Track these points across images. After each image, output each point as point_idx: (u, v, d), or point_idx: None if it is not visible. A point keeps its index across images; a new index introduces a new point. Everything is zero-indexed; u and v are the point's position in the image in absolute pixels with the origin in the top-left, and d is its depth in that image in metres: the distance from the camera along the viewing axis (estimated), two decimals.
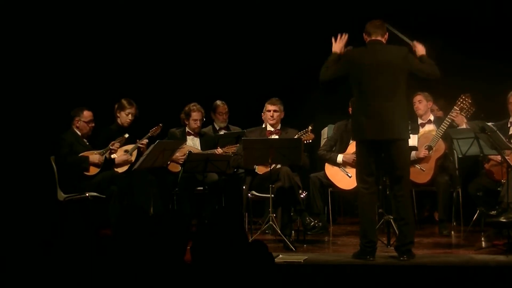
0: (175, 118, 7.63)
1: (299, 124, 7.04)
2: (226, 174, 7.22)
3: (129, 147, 7.23)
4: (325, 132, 7.92)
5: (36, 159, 7.53)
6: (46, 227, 5.20)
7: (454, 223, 7.32)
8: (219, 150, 7.27)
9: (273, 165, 6.49)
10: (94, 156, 7.03)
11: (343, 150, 7.33)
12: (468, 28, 8.11)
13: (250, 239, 5.60)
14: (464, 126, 6.90)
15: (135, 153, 7.21)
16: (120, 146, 7.16)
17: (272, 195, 6.33)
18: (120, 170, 7.17)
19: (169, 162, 7.19)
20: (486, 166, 6.97)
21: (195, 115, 7.47)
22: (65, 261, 3.45)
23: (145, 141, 7.23)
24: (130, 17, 8.44)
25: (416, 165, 7.14)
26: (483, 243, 6.52)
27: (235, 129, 7.99)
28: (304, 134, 6.81)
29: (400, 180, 5.59)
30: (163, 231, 3.54)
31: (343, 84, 5.75)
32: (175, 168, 7.27)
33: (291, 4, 8.47)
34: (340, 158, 7.28)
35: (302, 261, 5.52)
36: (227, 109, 8.05)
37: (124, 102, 7.37)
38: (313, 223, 6.64)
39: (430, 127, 7.40)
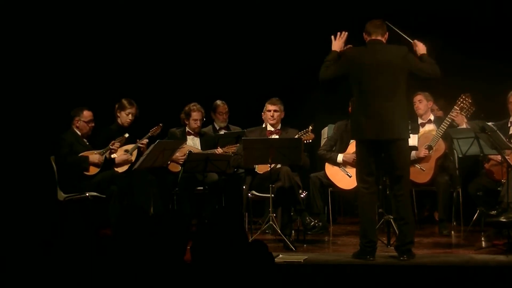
0: (175, 118, 7.63)
1: (299, 124, 7.04)
2: (226, 174, 7.22)
3: (129, 147, 7.23)
4: (325, 132, 7.92)
5: (36, 159, 7.53)
6: (46, 227, 5.20)
7: (454, 223, 7.32)
8: (219, 150, 7.27)
9: (273, 165, 6.49)
10: (94, 156, 7.03)
11: (343, 150, 7.33)
12: (468, 28, 8.11)
13: (250, 239, 5.60)
14: (464, 126, 6.90)
15: (135, 153, 7.21)
16: (120, 146, 7.15)
17: (272, 195, 6.33)
18: (120, 170, 7.17)
19: (169, 162, 7.19)
20: (486, 166, 6.97)
21: (195, 115, 7.47)
22: (65, 261, 3.45)
23: (145, 141, 7.23)
24: (130, 17, 8.44)
25: (416, 165, 7.14)
26: (483, 243, 6.52)
27: (235, 129, 7.99)
28: (304, 134, 6.81)
29: (400, 180, 5.59)
30: (163, 231, 3.55)
31: (343, 83, 5.75)
32: (175, 168, 7.27)
33: (291, 4, 8.47)
34: (340, 157, 7.28)
35: (302, 261, 5.52)
36: (227, 109, 8.05)
37: (124, 102, 7.37)
38: (313, 223, 6.63)
39: (430, 127, 7.40)
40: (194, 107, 7.48)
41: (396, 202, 5.64)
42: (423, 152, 7.12)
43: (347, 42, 5.81)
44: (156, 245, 3.48)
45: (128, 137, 7.18)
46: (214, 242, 3.48)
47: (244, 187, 6.97)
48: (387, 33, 5.69)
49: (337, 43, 5.78)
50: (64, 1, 8.23)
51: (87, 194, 6.96)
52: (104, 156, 7.05)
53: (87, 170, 7.02)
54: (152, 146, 6.75)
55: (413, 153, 6.97)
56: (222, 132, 7.95)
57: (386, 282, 5.16)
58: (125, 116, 7.34)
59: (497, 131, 6.17)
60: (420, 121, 7.43)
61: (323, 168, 7.39)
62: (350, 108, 6.90)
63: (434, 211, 7.75)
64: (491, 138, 6.10)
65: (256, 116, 7.52)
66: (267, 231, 6.76)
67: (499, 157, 6.47)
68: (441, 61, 5.74)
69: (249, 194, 6.90)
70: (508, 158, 6.23)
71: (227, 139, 7.58)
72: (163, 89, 8.53)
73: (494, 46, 7.98)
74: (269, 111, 7.06)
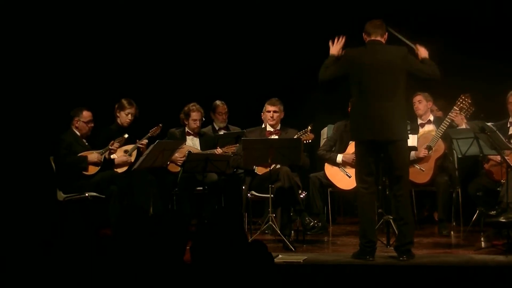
0: (175, 118, 7.63)
1: (299, 124, 7.04)
2: (225, 174, 7.22)
3: (128, 147, 7.23)
4: (325, 132, 7.92)
5: (35, 159, 7.53)
6: (46, 227, 5.20)
7: (454, 223, 7.32)
8: (218, 150, 7.27)
9: (273, 165, 6.49)
10: (93, 155, 7.03)
11: (342, 150, 7.34)
12: (468, 28, 8.11)
13: (250, 239, 5.60)
14: (464, 126, 6.90)
15: (134, 153, 7.21)
16: (120, 146, 7.15)
17: (272, 195, 6.33)
18: (120, 170, 7.17)
19: (168, 162, 7.19)
20: (486, 166, 6.97)
21: (195, 115, 7.47)
22: (65, 261, 3.45)
23: (145, 141, 7.23)
24: (130, 17, 8.44)
25: (416, 165, 7.14)
26: (482, 243, 6.52)
27: (234, 129, 7.99)
28: (303, 134, 6.81)
29: (399, 180, 5.59)
30: (163, 231, 3.55)
31: (342, 84, 5.76)
32: (175, 168, 7.27)
33: (291, 4, 8.47)
34: (339, 158, 7.28)
35: (302, 261, 5.52)
36: (226, 109, 8.05)
37: (124, 102, 7.37)
38: (312, 223, 6.63)
39: (430, 127, 7.40)
40: (194, 107, 7.48)
41: (395, 202, 5.64)
42: (422, 152, 7.12)
43: (345, 46, 5.81)
44: (156, 245, 3.48)
45: (127, 137, 7.18)
46: (213, 242, 3.48)
47: (243, 187, 6.97)
48: (386, 33, 5.69)
49: (335, 48, 5.79)
50: (64, 1, 8.23)
51: (87, 194, 6.96)
52: (103, 156, 7.05)
53: (86, 170, 7.02)
54: (151, 146, 6.75)
55: (413, 153, 6.97)
56: (221, 132, 7.95)
57: (386, 282, 5.16)
58: (125, 116, 7.34)
59: (497, 131, 6.17)
60: (419, 121, 7.43)
61: (322, 168, 7.39)
62: (349, 108, 6.91)
63: (433, 211, 7.75)
64: (491, 139, 6.10)
65: (255, 116, 7.52)
66: (266, 231, 6.75)
67: (498, 158, 6.47)
68: (441, 61, 5.74)
69: (249, 194, 6.90)
70: (508, 159, 6.23)
71: (226, 139, 7.58)
72: (163, 89, 8.53)
73: (494, 46, 7.99)
74: (269, 111, 7.06)
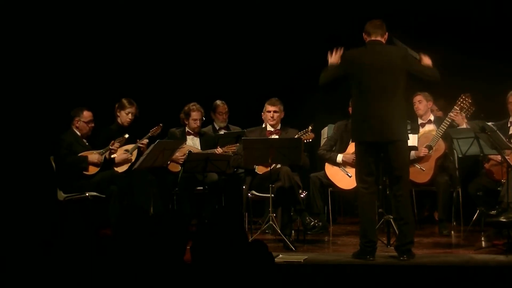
0: (175, 118, 7.63)
1: (299, 124, 7.04)
2: (226, 174, 7.22)
3: (129, 147, 7.23)
4: (325, 132, 7.92)
5: (36, 159, 7.53)
6: (46, 227, 5.20)
7: (454, 223, 7.32)
8: (219, 150, 7.27)
9: (273, 165, 6.49)
10: (93, 156, 7.03)
11: (343, 150, 7.33)
12: (468, 28, 8.11)
13: (250, 239, 5.60)
14: (464, 125, 6.90)
15: (135, 153, 7.21)
16: (120, 146, 7.15)
17: (272, 195, 6.33)
18: (120, 169, 7.17)
19: (169, 162, 7.19)
20: (486, 166, 6.97)
21: (195, 114, 7.47)
22: (65, 261, 3.45)
23: (145, 141, 7.23)
24: (130, 17, 8.44)
25: (416, 165, 7.14)
26: (483, 243, 6.52)
27: (235, 129, 7.99)
28: (304, 134, 6.81)
29: (399, 180, 5.59)
30: (163, 231, 3.54)
31: (342, 84, 5.76)
32: (175, 168, 7.27)
33: (291, 4, 8.47)
34: (339, 158, 7.28)
35: (302, 261, 5.52)
36: (227, 109, 8.05)
37: (124, 101, 7.37)
38: (313, 223, 6.63)
39: (430, 127, 7.40)
40: (194, 107, 7.48)
41: (396, 202, 5.64)
42: (423, 151, 7.12)
43: (345, 46, 5.81)
44: (156, 245, 3.48)
45: (128, 137, 7.18)
46: (214, 242, 3.48)
47: (244, 187, 6.97)
48: (386, 33, 5.69)
49: (334, 58, 5.79)
50: (64, 1, 8.23)
51: (87, 194, 6.97)
52: (103, 156, 7.05)
53: (87, 170, 7.02)
54: (152, 146, 6.75)
55: (413, 153, 6.97)
56: (222, 132, 7.95)
57: (386, 282, 5.16)
58: (125, 116, 7.34)
59: (497, 131, 6.17)
60: (420, 121, 7.43)
61: (323, 168, 7.39)
62: (350, 108, 6.91)
63: (434, 211, 7.75)
64: (491, 138, 6.10)
65: (256, 116, 7.52)
66: (267, 231, 6.76)
67: (499, 157, 6.47)
68: (441, 61, 5.74)
69: (249, 194, 6.90)
70: (508, 158, 6.23)
71: (227, 139, 7.58)
72: (163, 89, 8.54)
73: (494, 46, 7.99)
74: (269, 111, 7.06)
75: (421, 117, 7.44)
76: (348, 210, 8.31)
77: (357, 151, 5.71)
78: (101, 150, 7.07)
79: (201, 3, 8.58)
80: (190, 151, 6.92)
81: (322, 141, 7.76)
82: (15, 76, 7.99)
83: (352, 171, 6.97)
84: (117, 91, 7.70)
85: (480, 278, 5.10)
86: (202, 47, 8.63)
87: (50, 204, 7.08)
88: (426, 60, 5.68)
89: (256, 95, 7.60)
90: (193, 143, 7.53)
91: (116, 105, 7.41)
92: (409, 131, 6.13)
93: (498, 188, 6.68)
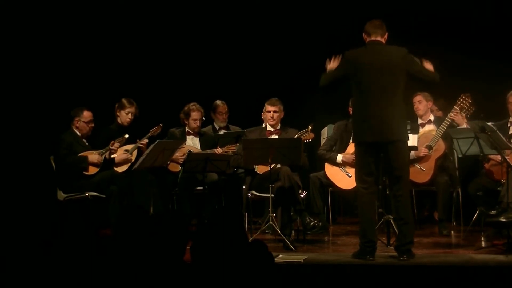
0: (175, 118, 7.63)
1: (299, 124, 7.04)
2: (226, 174, 7.22)
3: (129, 146, 7.23)
4: (325, 132, 7.92)
5: (36, 159, 7.53)
6: (46, 227, 5.20)
7: (454, 223, 7.32)
8: (218, 150, 7.27)
9: (273, 165, 6.49)
10: (93, 156, 7.03)
11: (343, 150, 7.33)
12: (468, 28, 8.11)
13: (250, 239, 5.60)
14: (465, 125, 6.90)
15: (135, 153, 7.21)
16: (120, 146, 7.15)
17: (272, 195, 6.33)
18: (120, 169, 7.17)
19: (169, 162, 7.19)
20: (486, 166, 6.97)
21: (195, 114, 7.47)
22: (65, 261, 3.45)
23: (145, 141, 7.23)
24: (130, 17, 8.44)
25: (416, 165, 7.14)
26: (482, 243, 6.52)
27: (235, 129, 7.99)
28: (304, 133, 6.81)
29: (399, 180, 5.59)
30: (163, 231, 3.55)
31: (342, 85, 5.76)
32: (175, 168, 7.27)
33: (291, 4, 8.47)
34: (339, 158, 7.28)
35: (302, 261, 5.52)
36: (227, 109, 8.05)
37: (124, 101, 7.37)
38: (313, 222, 6.63)
39: (430, 127, 7.40)
40: (194, 107, 7.48)
41: (395, 202, 5.64)
42: (422, 151, 7.12)
43: (345, 47, 5.81)
44: (156, 245, 3.48)
45: (128, 137, 7.18)
46: (214, 242, 3.48)
47: (244, 187, 6.97)
48: (386, 33, 5.69)
49: (333, 65, 5.79)
50: (64, 1, 8.23)
51: (87, 194, 6.97)
52: (103, 156, 7.05)
53: (87, 170, 7.02)
54: (152, 146, 6.75)
55: (413, 153, 6.97)
56: (221, 132, 7.95)
57: (386, 282, 5.16)
58: (125, 115, 7.34)
59: (497, 131, 6.17)
60: (420, 121, 7.43)
61: (323, 168, 7.39)
62: (350, 108, 6.91)
63: (434, 211, 7.74)
64: (491, 138, 6.10)
65: (256, 116, 7.51)
66: (267, 231, 6.76)
67: (499, 157, 6.47)
68: (441, 61, 5.74)
69: (249, 194, 6.90)
70: (508, 158, 6.23)
71: (226, 139, 7.58)
72: (163, 89, 8.53)
73: (494, 46, 7.99)
74: (269, 112, 7.06)
75: (421, 117, 7.44)
76: (348, 210, 8.31)
77: (357, 151, 5.71)
78: (101, 150, 7.07)
79: (201, 3, 8.57)
80: (190, 151, 6.92)
81: (322, 141, 7.76)
82: (15, 76, 7.99)
83: (352, 171, 6.97)
84: (117, 91, 7.70)
85: (480, 278, 5.10)
86: (202, 47, 8.63)
87: (50, 204, 7.08)
88: (428, 66, 5.69)
89: (256, 95, 7.60)
90: (193, 143, 7.53)
91: (116, 105, 7.41)
92: (409, 131, 6.13)
93: (498, 188, 6.68)
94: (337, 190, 7.46)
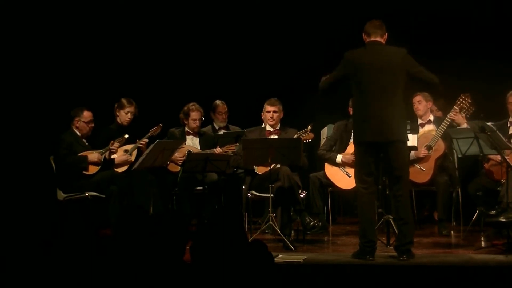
0: (175, 118, 7.63)
1: (299, 124, 7.04)
2: (225, 174, 7.22)
3: (129, 147, 7.23)
4: (325, 132, 7.92)
5: (35, 159, 7.53)
6: (46, 227, 5.20)
7: (454, 223, 7.32)
8: (218, 150, 7.27)
9: (273, 165, 6.49)
10: (93, 155, 7.03)
11: (342, 150, 7.34)
12: (468, 28, 8.12)
13: (250, 239, 5.60)
14: (465, 125, 6.90)
15: (135, 153, 7.21)
16: (120, 146, 7.16)
17: (272, 195, 6.34)
18: (120, 169, 7.17)
19: (168, 162, 7.19)
20: (486, 166, 6.97)
21: (194, 114, 7.47)
22: (65, 261, 3.45)
23: (145, 141, 7.23)
24: (130, 17, 8.44)
25: (416, 165, 7.14)
26: (482, 243, 6.52)
27: (234, 129, 7.99)
28: (303, 133, 6.81)
29: (399, 180, 5.59)
30: (163, 231, 3.55)
31: (342, 86, 5.77)
32: (175, 168, 7.27)
33: (291, 5, 8.47)
34: (339, 158, 7.28)
35: (302, 261, 5.52)
36: (226, 109, 8.05)
37: (123, 101, 7.37)
38: (312, 222, 6.63)
39: (430, 127, 7.40)
40: (193, 106, 7.48)
41: (395, 202, 5.64)
42: (422, 152, 7.12)
43: (345, 47, 5.82)
44: (156, 245, 3.48)
45: (128, 137, 7.18)
46: (213, 242, 3.48)
47: (243, 187, 6.97)
48: (386, 34, 5.69)
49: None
50: (64, 1, 8.23)
51: (87, 194, 6.97)
52: (103, 156, 7.05)
53: (87, 170, 7.03)
54: (151, 146, 6.76)
55: (413, 153, 6.97)
56: (221, 132, 7.95)
57: (386, 282, 5.16)
58: (124, 115, 7.34)
59: (497, 131, 6.17)
60: (419, 121, 7.43)
61: (322, 168, 7.39)
62: (350, 108, 6.91)
63: (433, 211, 7.75)
64: (491, 138, 6.10)
65: (255, 116, 7.51)
66: (266, 231, 6.75)
67: (498, 157, 6.47)
68: (441, 61, 5.75)
69: (249, 194, 6.91)
70: (508, 158, 6.24)
71: (226, 139, 7.58)
72: (163, 89, 8.53)
73: (494, 46, 7.99)
74: (268, 112, 7.07)
75: (420, 117, 7.44)
76: (347, 210, 8.31)
77: (356, 151, 5.71)
78: (101, 150, 7.07)
79: (201, 3, 8.57)
80: (189, 151, 6.92)
81: (322, 141, 7.76)
82: (15, 76, 7.99)
83: (351, 171, 6.97)
84: (117, 91, 7.70)
85: (479, 278, 5.10)
86: (201, 47, 8.63)
87: (50, 204, 7.08)
88: None
89: (256, 95, 7.60)
90: (192, 143, 7.53)
91: (116, 105, 7.41)
92: (408, 131, 6.13)
93: (498, 188, 6.68)
94: (337, 190, 7.46)
